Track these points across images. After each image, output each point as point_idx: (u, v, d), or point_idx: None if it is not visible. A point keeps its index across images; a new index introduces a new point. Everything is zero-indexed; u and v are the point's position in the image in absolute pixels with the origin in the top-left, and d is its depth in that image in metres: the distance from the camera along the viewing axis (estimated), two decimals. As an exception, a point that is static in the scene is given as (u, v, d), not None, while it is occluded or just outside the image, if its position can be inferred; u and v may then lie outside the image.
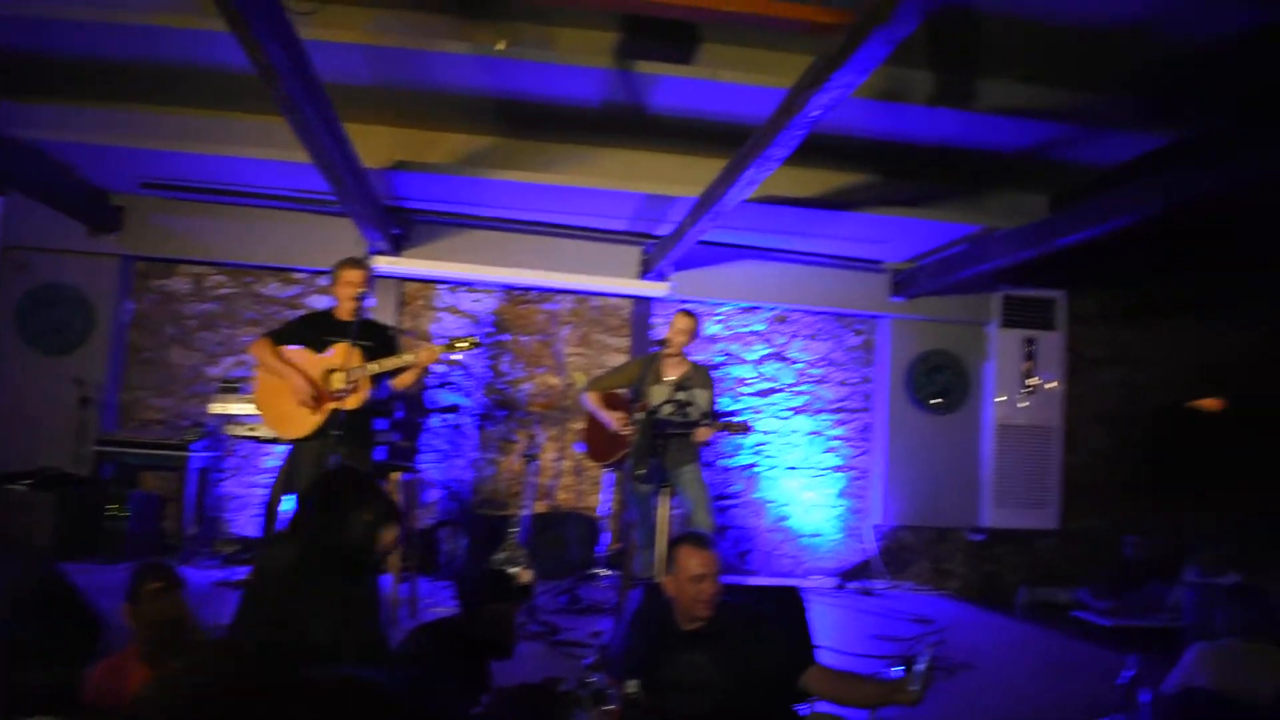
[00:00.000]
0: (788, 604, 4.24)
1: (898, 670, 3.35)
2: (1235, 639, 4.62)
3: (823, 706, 3.74)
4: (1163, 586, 7.27)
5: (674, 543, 3.61)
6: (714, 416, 5.70)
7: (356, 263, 5.12)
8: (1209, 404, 9.19)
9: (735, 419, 5.69)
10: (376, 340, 5.10)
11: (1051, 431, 8.43)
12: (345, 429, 4.78)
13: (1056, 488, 8.43)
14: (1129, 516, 8.42)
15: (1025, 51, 5.33)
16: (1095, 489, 8.82)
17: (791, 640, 3.62)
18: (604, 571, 6.95)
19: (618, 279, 7.64)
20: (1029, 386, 8.33)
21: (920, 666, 3.31)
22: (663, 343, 5.87)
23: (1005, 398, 8.33)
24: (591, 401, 6.12)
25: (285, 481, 5.22)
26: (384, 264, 7.26)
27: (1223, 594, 4.96)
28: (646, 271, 7.57)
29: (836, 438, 8.43)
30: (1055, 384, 8.44)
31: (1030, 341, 8.35)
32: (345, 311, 5.04)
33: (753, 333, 8.34)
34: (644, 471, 5.36)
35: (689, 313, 6.00)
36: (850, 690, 3.56)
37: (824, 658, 5.02)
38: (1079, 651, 6.50)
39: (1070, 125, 5.87)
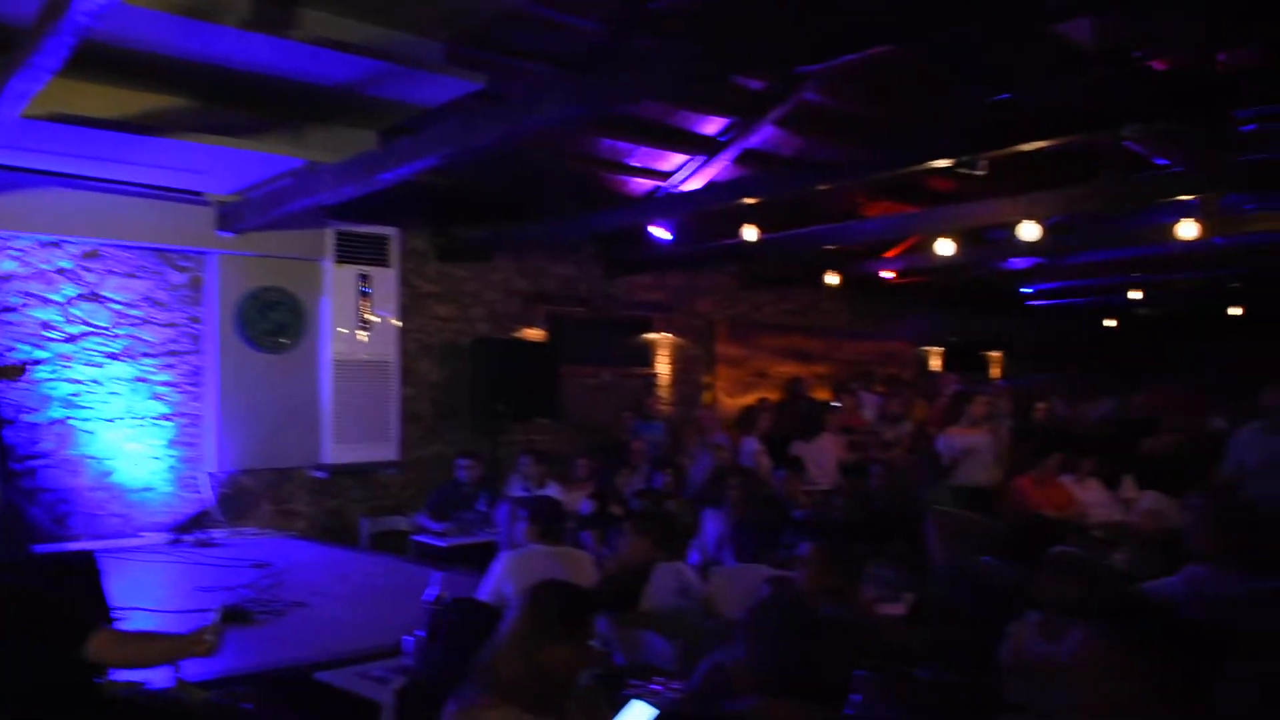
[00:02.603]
0: (76, 571, 3.88)
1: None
2: (539, 546, 5.09)
3: (121, 673, 3.49)
4: (490, 504, 7.83)
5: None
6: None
7: None
8: (531, 333, 10.05)
9: (4, 363, 4.99)
10: None
11: (389, 366, 8.62)
12: None
13: (395, 420, 8.66)
14: (461, 441, 8.96)
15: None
16: (431, 418, 9.26)
17: (72, 610, 3.26)
18: None
19: None
20: (366, 322, 8.43)
21: (214, 616, 3.22)
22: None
23: (344, 333, 8.34)
24: None
25: None
26: None
27: (522, 505, 5.44)
28: (-88, 198, 6.36)
29: (163, 383, 7.83)
30: (393, 319, 8.63)
31: (365, 277, 8.43)
32: None
33: (59, 270, 7.40)
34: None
35: None
36: (139, 651, 3.32)
37: (141, 620, 4.71)
38: (414, 575, 6.76)
39: (390, 63, 5.91)
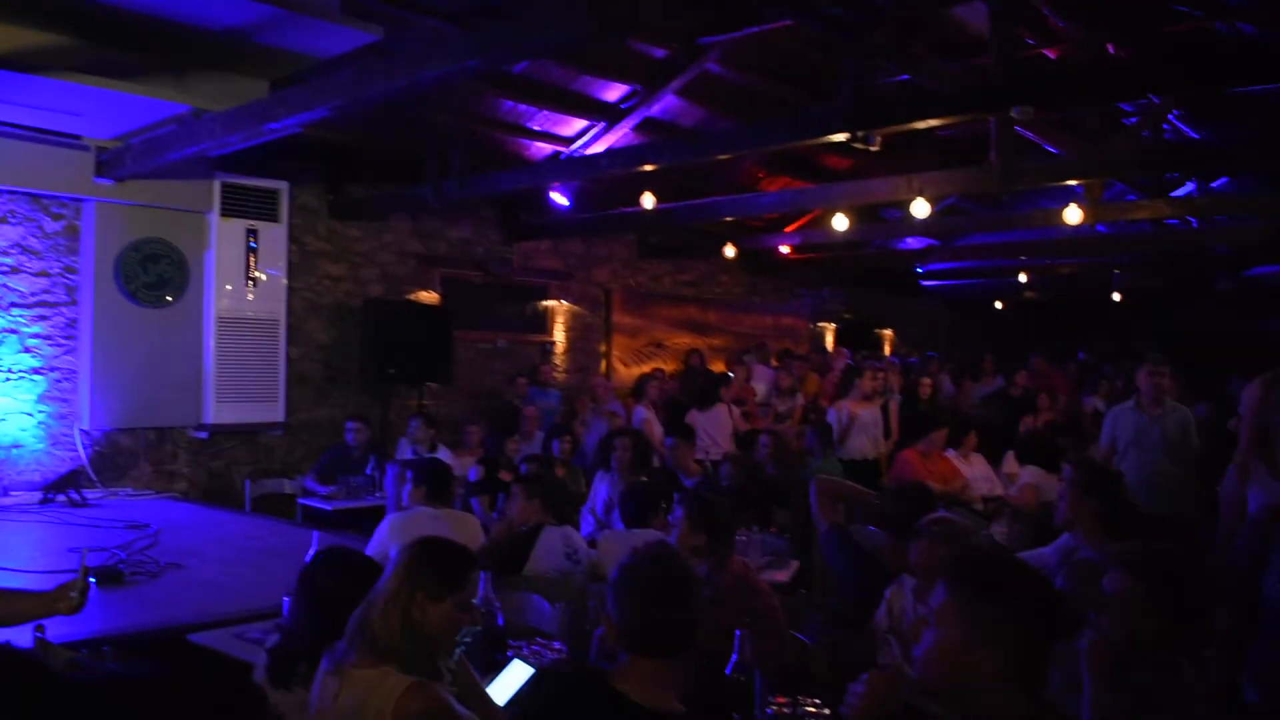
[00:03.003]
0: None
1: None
2: (426, 508, 5.03)
3: (-23, 633, 3.33)
4: (378, 468, 7.70)
5: None
6: None
7: None
8: (425, 296, 9.89)
9: None
10: None
11: (276, 325, 8.36)
12: None
13: (282, 381, 8.42)
14: (350, 404, 8.80)
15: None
16: (319, 380, 9.05)
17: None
18: None
19: None
20: (253, 279, 8.18)
21: (79, 573, 3.13)
22: None
23: (229, 289, 8.08)
24: None
25: None
26: None
27: (409, 467, 5.36)
28: None
29: (35, 336, 7.48)
30: (281, 277, 8.40)
31: (253, 232, 8.17)
32: None
33: (-82, 214, 7.02)
34: None
35: None
36: (-3, 608, 3.19)
37: (5, 580, 4.51)
38: (297, 537, 6.60)
39: (283, 9, 5.72)
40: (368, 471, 7.74)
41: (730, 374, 10.99)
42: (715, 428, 9.27)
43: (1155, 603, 2.49)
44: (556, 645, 3.34)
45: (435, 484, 5.01)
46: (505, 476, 6.74)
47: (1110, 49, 8.33)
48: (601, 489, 6.18)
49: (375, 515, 6.92)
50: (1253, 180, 11.60)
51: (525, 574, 4.55)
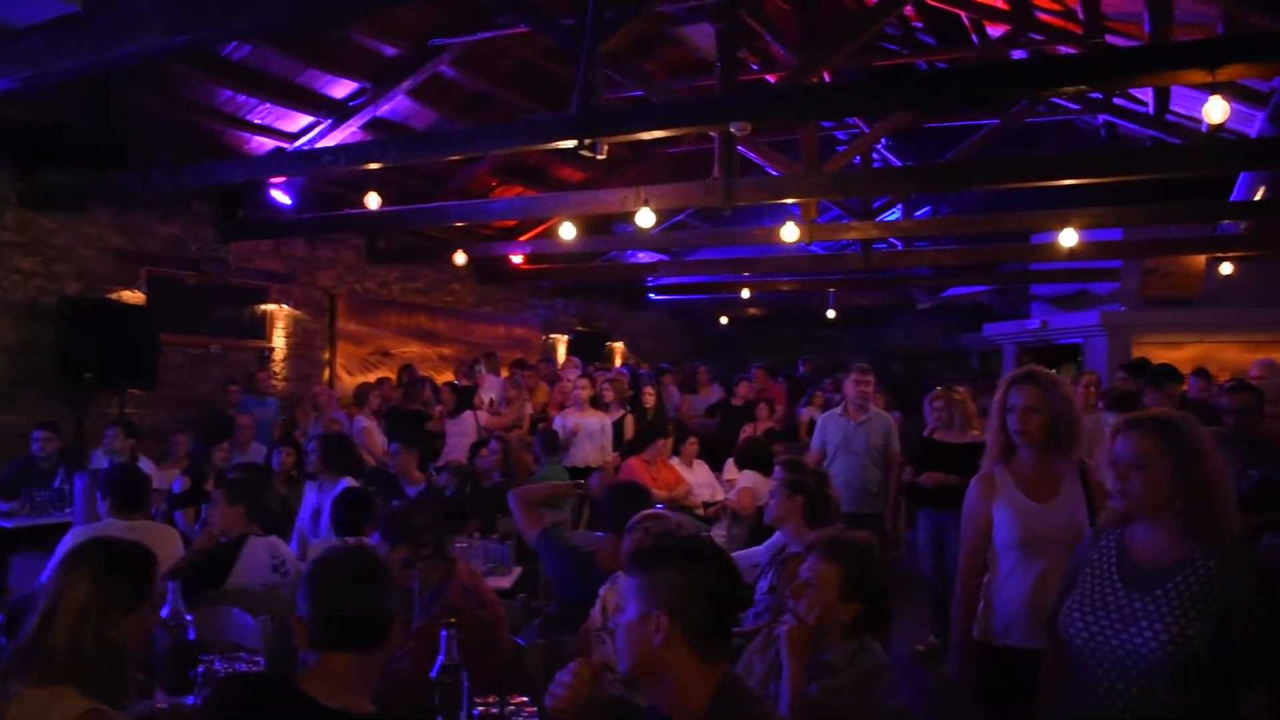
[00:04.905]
0: None
1: None
2: (115, 520, 4.64)
3: None
4: (68, 480, 7.06)
5: None
6: None
7: None
8: (129, 296, 9.17)
9: None
10: None
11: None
12: None
13: (-44, 385, 7.59)
14: (40, 411, 8.00)
15: None
16: (4, 385, 8.18)
17: None
18: None
19: None
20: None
21: None
22: None
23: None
24: None
25: None
26: None
27: (98, 476, 4.94)
28: None
29: None
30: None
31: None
32: None
33: None
34: None
35: None
36: None
37: None
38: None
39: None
40: (56, 484, 7.08)
41: (458, 383, 10.85)
42: (462, 437, 9.11)
43: (847, 585, 2.62)
44: (253, 659, 3.12)
45: (124, 493, 4.61)
46: (211, 489, 6.32)
47: (826, 77, 8.84)
48: (311, 497, 5.90)
49: (64, 532, 6.32)
50: (949, 207, 12.65)
51: (227, 587, 4.26)
